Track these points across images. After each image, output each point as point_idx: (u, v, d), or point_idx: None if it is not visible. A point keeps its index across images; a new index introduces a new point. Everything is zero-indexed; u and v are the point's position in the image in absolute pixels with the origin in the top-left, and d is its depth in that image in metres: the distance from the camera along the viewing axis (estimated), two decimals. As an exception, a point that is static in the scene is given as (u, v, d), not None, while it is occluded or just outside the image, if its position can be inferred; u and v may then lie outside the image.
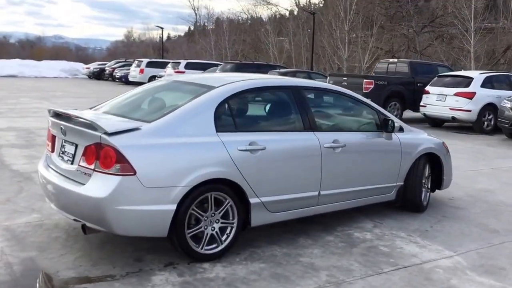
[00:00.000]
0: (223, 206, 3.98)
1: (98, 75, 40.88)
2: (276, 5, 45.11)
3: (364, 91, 14.94)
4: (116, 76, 36.04)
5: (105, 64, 42.58)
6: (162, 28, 47.35)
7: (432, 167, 5.72)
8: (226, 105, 4.20)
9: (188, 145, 3.84)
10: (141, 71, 31.79)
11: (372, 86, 15.04)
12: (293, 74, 21.77)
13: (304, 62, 38.67)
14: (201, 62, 30.22)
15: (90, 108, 4.67)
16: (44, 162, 4.35)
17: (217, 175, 3.90)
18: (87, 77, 43.21)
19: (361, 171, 4.95)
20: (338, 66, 36.94)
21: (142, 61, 33.09)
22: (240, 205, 4.08)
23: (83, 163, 3.75)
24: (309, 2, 45.34)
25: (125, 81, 33.87)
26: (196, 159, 3.83)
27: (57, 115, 4.23)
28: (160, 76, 29.99)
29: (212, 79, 4.68)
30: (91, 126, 3.71)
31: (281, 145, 4.34)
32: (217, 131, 4.00)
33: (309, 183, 4.52)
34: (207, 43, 49.22)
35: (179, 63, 29.04)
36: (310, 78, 21.02)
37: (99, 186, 3.58)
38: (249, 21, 51.07)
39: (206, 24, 54.01)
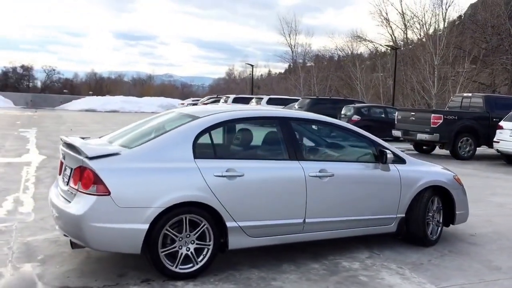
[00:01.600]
0: (198, 228, 4.25)
1: (190, 111, 42.91)
2: (372, 41, 44.75)
3: (432, 125, 14.56)
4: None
5: (198, 100, 44.69)
6: (252, 66, 49.44)
7: (445, 201, 5.58)
8: (207, 134, 4.50)
9: (163, 170, 4.18)
10: (227, 107, 33.01)
11: (440, 121, 14.58)
12: (368, 108, 21.65)
13: (394, 97, 38.11)
14: (282, 97, 30.84)
15: (99, 137, 5.19)
16: (55, 184, 4.91)
17: (191, 198, 4.18)
18: (181, 113, 45.49)
19: (354, 201, 4.99)
20: (426, 101, 35.92)
21: (229, 97, 34.43)
22: (217, 228, 4.32)
23: (71, 184, 4.23)
24: (406, 38, 44.68)
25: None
26: (170, 182, 4.16)
27: (65, 142, 4.79)
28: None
29: (202, 111, 5.01)
30: (78, 151, 4.20)
31: (261, 172, 4.54)
32: (195, 157, 4.31)
33: (292, 211, 4.65)
34: (296, 79, 50.09)
35: (262, 98, 29.86)
36: (385, 112, 20.75)
37: (79, 204, 4.02)
38: (341, 58, 51.34)
39: (300, 61, 54.92)
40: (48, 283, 4.07)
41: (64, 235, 4.33)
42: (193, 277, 4.24)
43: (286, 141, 4.79)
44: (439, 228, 5.57)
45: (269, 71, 71.29)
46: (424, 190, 5.34)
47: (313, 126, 5.43)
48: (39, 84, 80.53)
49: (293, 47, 54.27)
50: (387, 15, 45.05)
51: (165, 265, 4.15)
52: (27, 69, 78.92)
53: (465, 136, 14.85)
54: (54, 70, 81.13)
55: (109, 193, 3.96)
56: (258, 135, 5.11)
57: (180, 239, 4.20)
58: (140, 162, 4.16)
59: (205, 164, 4.31)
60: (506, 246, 5.63)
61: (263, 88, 60.33)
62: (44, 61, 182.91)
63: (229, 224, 4.34)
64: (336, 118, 21.29)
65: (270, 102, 28.61)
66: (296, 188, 4.65)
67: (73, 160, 4.29)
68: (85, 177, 4.02)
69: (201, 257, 4.29)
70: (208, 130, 4.51)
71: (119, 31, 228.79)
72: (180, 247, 4.21)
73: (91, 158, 4.03)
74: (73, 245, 4.30)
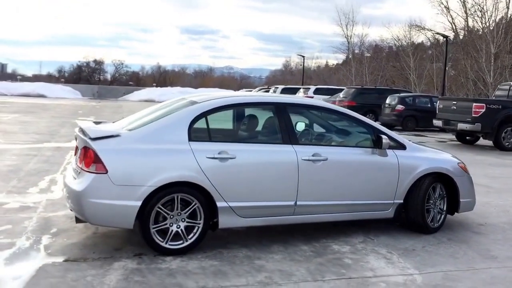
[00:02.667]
0: (189, 207, 4.48)
1: (242, 102, 43.33)
2: (430, 30, 43.21)
3: (473, 115, 14.15)
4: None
5: (250, 91, 45.08)
6: (303, 57, 49.51)
7: (449, 188, 5.55)
8: (204, 118, 4.71)
9: (158, 151, 4.43)
10: (276, 97, 33.17)
11: (483, 110, 14.15)
12: (413, 98, 21.23)
13: (444, 87, 36.95)
14: (329, 87, 30.70)
15: (113, 122, 5.49)
16: (71, 165, 5.27)
17: (182, 178, 4.41)
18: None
19: (348, 186, 5.06)
20: (482, 91, 34.63)
21: (278, 87, 34.57)
22: (208, 207, 4.53)
23: (78, 163, 4.56)
24: (467, 26, 42.95)
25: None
26: (163, 163, 4.40)
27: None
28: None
29: (203, 97, 5.18)
30: (84, 133, 4.52)
31: (253, 155, 4.71)
32: (190, 140, 4.53)
33: (284, 193, 4.79)
34: (348, 70, 49.49)
35: (309, 88, 29.82)
36: (431, 102, 20.28)
37: (81, 181, 4.35)
38: (398, 47, 50.04)
39: (356, 51, 53.99)
40: (52, 254, 4.41)
41: (70, 209, 4.67)
42: (183, 253, 4.47)
43: (281, 125, 4.92)
44: (442, 216, 5.55)
45: (326, 62, 70.62)
46: (424, 177, 5.33)
47: (311, 112, 5.50)
48: (108, 77, 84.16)
49: (349, 38, 53.34)
50: (447, 3, 43.52)
51: (155, 241, 4.40)
52: (98, 63, 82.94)
53: (509, 126, 14.35)
54: (122, 63, 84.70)
55: (106, 172, 4.25)
56: (254, 120, 5.27)
57: (172, 216, 4.45)
58: (137, 144, 4.43)
59: (199, 147, 4.52)
60: (510, 237, 5.53)
61: (315, 79, 59.83)
62: (115, 56, 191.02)
63: (219, 204, 4.54)
64: (380, 107, 21.21)
65: (317, 92, 28.61)
66: (288, 171, 4.78)
67: (81, 141, 4.62)
68: (87, 157, 4.34)
69: (191, 234, 4.51)
70: (204, 114, 4.72)
71: (185, 26, 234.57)
72: (171, 224, 4.45)
73: (93, 139, 4.35)
74: (76, 219, 4.63)
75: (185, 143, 4.50)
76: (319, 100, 5.46)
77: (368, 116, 22.94)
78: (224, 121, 5.18)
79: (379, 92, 23.32)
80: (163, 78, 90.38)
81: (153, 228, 4.40)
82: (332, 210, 5.05)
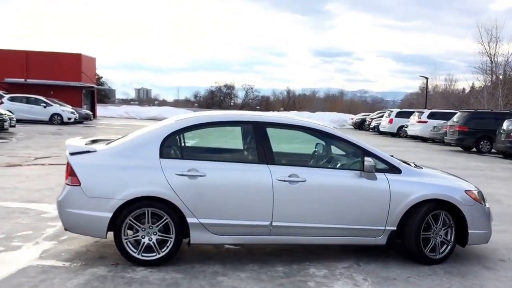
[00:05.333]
0: (161, 221, 4.72)
1: (359, 125, 42.67)
2: None
3: None
4: (370, 126, 37.18)
5: (368, 115, 44.18)
6: (426, 78, 47.23)
7: (458, 218, 5.13)
8: (177, 136, 4.95)
9: (129, 166, 4.73)
10: (390, 121, 32.20)
11: None
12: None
13: None
14: (443, 111, 28.88)
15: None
16: None
17: (151, 193, 4.66)
18: (352, 127, 45.40)
19: (330, 209, 4.91)
20: None
21: (392, 111, 33.47)
22: (180, 223, 4.73)
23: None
24: None
25: (377, 131, 34.71)
26: (133, 178, 4.69)
27: None
28: (406, 126, 30.00)
29: (181, 116, 5.36)
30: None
31: (224, 173, 4.80)
32: (162, 157, 4.78)
33: (257, 213, 4.80)
34: (478, 92, 46.21)
35: (423, 112, 28.46)
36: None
37: (61, 192, 4.82)
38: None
39: (500, 72, 49.34)
40: (43, 258, 4.91)
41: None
42: (156, 264, 4.71)
43: (257, 144, 4.96)
44: (448, 247, 5.12)
45: (473, 84, 65.90)
46: (422, 204, 4.98)
47: (293, 131, 5.42)
48: (239, 101, 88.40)
49: (492, 56, 49.10)
50: None
51: (128, 252, 4.70)
52: (229, 88, 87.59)
53: None
54: (252, 88, 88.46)
55: (79, 184, 4.67)
56: (231, 139, 5.35)
57: (143, 229, 4.72)
58: (111, 159, 4.79)
59: (169, 164, 4.76)
60: (527, 274, 4.92)
61: (441, 102, 56.45)
62: (249, 81, 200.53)
63: (190, 220, 4.72)
64: (495, 132, 19.53)
65: (431, 116, 27.20)
66: (262, 191, 4.79)
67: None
68: (67, 170, 4.81)
69: (164, 248, 4.74)
70: (178, 132, 4.96)
71: (317, 49, 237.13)
72: (143, 236, 4.73)
73: (71, 154, 4.81)
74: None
75: (155, 159, 4.75)
76: (305, 120, 5.36)
77: (482, 143, 21.24)
78: (204, 139, 5.35)
79: (497, 116, 21.46)
80: (292, 102, 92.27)
81: (125, 239, 4.70)
82: (312, 233, 4.93)
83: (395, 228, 5.00)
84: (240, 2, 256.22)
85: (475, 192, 5.24)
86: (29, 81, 39.18)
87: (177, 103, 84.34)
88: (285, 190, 4.82)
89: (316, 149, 5.57)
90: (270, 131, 5.04)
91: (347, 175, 5.01)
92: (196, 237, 4.77)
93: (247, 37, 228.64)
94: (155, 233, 4.74)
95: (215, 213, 4.76)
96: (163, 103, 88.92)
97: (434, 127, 25.63)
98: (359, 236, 5.01)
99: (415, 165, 5.57)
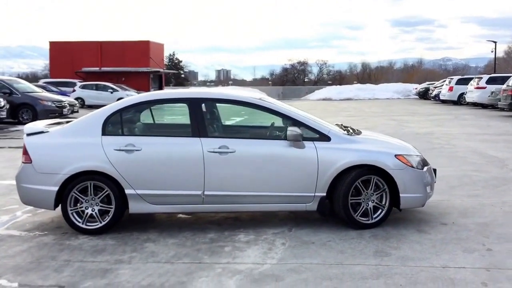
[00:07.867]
0: (102, 193, 5.16)
1: (423, 95, 41.18)
2: None
3: None
4: (432, 95, 35.85)
5: (432, 84, 42.47)
6: (495, 42, 44.32)
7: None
8: (118, 114, 5.34)
9: (74, 144, 5.21)
10: (450, 88, 30.93)
11: None
12: None
13: None
14: (506, 75, 27.22)
15: None
16: None
17: (92, 168, 5.11)
18: (417, 97, 43.83)
19: (259, 177, 5.12)
20: None
21: (452, 78, 32.10)
22: (120, 194, 5.15)
23: None
24: None
25: (438, 99, 33.45)
26: (76, 154, 5.16)
27: None
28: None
29: (134, 95, 5.74)
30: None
31: (158, 147, 5.16)
32: (103, 134, 5.21)
33: (190, 183, 5.12)
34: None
35: (481, 78, 27.08)
36: None
37: (18, 169, 5.38)
38: None
39: None
40: (8, 228, 5.50)
41: None
42: (99, 233, 5.17)
43: (192, 119, 5.25)
44: (383, 211, 5.19)
45: None
46: (350, 170, 5.07)
47: (229, 106, 5.62)
48: (313, 77, 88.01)
49: None
50: None
51: (73, 221, 5.19)
52: (303, 64, 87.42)
53: None
54: (325, 63, 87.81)
55: (31, 162, 5.20)
56: (168, 115, 5.66)
57: (87, 201, 5.18)
58: (59, 138, 5.29)
59: (109, 140, 5.17)
60: (452, 238, 4.89)
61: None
62: (324, 56, 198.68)
63: (128, 191, 5.13)
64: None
65: (490, 81, 25.84)
66: (193, 162, 5.10)
67: None
68: (23, 150, 5.35)
69: (106, 217, 5.19)
70: (119, 111, 5.36)
71: (396, 19, 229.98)
72: (87, 207, 5.19)
73: (27, 135, 5.34)
74: None
75: (98, 137, 5.19)
76: (243, 95, 5.55)
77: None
78: (135, 117, 5.71)
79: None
80: (367, 75, 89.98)
81: (71, 210, 5.18)
82: (244, 200, 5.18)
83: (324, 194, 5.13)
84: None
85: (406, 157, 5.23)
86: (103, 69, 41.68)
87: (254, 82, 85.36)
88: (215, 161, 5.09)
89: (259, 122, 5.78)
90: (210, 106, 5.33)
91: (276, 145, 5.20)
92: (134, 207, 5.17)
93: (324, 14, 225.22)
94: (97, 204, 5.19)
95: (151, 184, 5.13)
96: (241, 82, 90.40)
97: (492, 92, 24.35)
98: (289, 203, 5.20)
99: (353, 131, 5.61)
